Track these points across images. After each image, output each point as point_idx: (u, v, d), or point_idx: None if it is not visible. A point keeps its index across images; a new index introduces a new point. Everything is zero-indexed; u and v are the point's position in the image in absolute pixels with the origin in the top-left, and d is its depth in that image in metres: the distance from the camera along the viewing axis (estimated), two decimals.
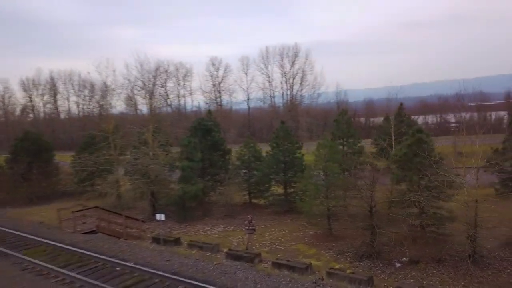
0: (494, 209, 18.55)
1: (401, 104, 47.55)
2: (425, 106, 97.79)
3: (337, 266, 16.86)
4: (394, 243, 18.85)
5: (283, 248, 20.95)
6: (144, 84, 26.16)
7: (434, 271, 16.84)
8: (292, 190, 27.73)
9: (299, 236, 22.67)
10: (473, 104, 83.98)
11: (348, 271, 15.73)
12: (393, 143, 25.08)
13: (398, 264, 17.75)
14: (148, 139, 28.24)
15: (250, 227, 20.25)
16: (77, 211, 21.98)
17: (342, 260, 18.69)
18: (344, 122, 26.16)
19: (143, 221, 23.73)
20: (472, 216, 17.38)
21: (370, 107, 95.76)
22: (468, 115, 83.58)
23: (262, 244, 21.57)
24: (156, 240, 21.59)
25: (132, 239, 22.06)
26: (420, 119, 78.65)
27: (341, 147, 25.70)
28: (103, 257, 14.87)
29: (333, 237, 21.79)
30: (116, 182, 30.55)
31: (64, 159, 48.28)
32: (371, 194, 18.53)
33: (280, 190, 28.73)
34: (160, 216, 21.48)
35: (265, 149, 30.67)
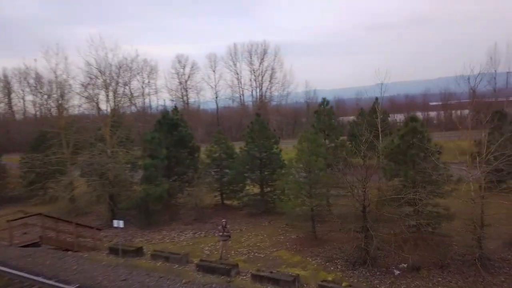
0: (501, 205, 16.63)
1: (377, 98, 46.05)
2: (394, 104, 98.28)
3: (329, 278, 14.32)
4: (390, 246, 16.42)
5: (262, 255, 18.28)
6: (104, 79, 23.11)
7: (440, 279, 14.62)
8: (269, 189, 25.07)
9: (279, 241, 20.05)
10: (439, 103, 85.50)
11: (344, 284, 13.24)
12: (380, 135, 22.94)
13: (397, 272, 15.43)
14: (106, 134, 24.81)
15: (225, 233, 17.42)
16: (15, 220, 18.39)
17: (332, 268, 16.18)
18: (325, 114, 23.76)
19: (98, 229, 20.40)
20: (478, 214, 15.33)
21: (340, 106, 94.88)
22: (434, 114, 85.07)
23: (238, 252, 18.81)
24: (113, 250, 18.39)
25: (85, 250, 18.79)
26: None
27: (322, 140, 23.25)
28: (40, 278, 11.66)
29: (318, 241, 19.31)
30: (70, 184, 26.91)
31: (16, 160, 43.94)
32: (364, 191, 16.12)
33: (256, 189, 25.99)
34: (118, 223, 18.31)
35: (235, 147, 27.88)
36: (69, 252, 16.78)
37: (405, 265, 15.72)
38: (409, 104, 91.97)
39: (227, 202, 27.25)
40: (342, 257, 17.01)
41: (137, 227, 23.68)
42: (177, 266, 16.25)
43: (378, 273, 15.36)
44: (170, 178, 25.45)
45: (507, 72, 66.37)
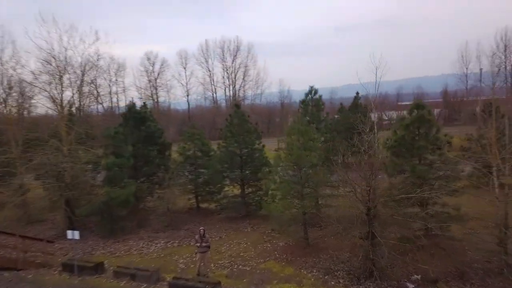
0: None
1: (357, 93, 44.17)
2: (367, 103, 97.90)
3: None
4: (400, 255, 13.99)
5: (248, 268, 15.49)
6: (57, 65, 20.02)
7: None
8: (250, 189, 22.30)
9: (266, 250, 17.31)
10: (412, 102, 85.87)
11: None
12: (375, 129, 20.61)
13: (410, 285, 13.02)
14: (61, 130, 21.32)
15: (203, 244, 14.49)
16: None
17: (333, 283, 13.59)
18: (313, 104, 21.23)
19: (49, 241, 17.03)
20: (503, 214, 13.14)
21: None
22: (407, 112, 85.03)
23: (219, 265, 15.95)
24: (67, 267, 15.19)
25: (32, 268, 15.46)
26: None
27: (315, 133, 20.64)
28: None
29: (311, 249, 16.70)
30: (20, 187, 23.21)
31: None
32: (369, 190, 13.61)
33: (236, 190, 23.13)
34: (73, 234, 15.12)
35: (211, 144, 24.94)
36: (6, 274, 13.45)
37: (418, 277, 13.35)
38: (381, 102, 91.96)
39: (203, 205, 24.28)
40: (343, 268, 14.50)
41: (99, 237, 20.39)
42: (145, 286, 13.32)
43: (388, 287, 12.91)
44: (137, 179, 22.34)
45: (480, 69, 66.54)
